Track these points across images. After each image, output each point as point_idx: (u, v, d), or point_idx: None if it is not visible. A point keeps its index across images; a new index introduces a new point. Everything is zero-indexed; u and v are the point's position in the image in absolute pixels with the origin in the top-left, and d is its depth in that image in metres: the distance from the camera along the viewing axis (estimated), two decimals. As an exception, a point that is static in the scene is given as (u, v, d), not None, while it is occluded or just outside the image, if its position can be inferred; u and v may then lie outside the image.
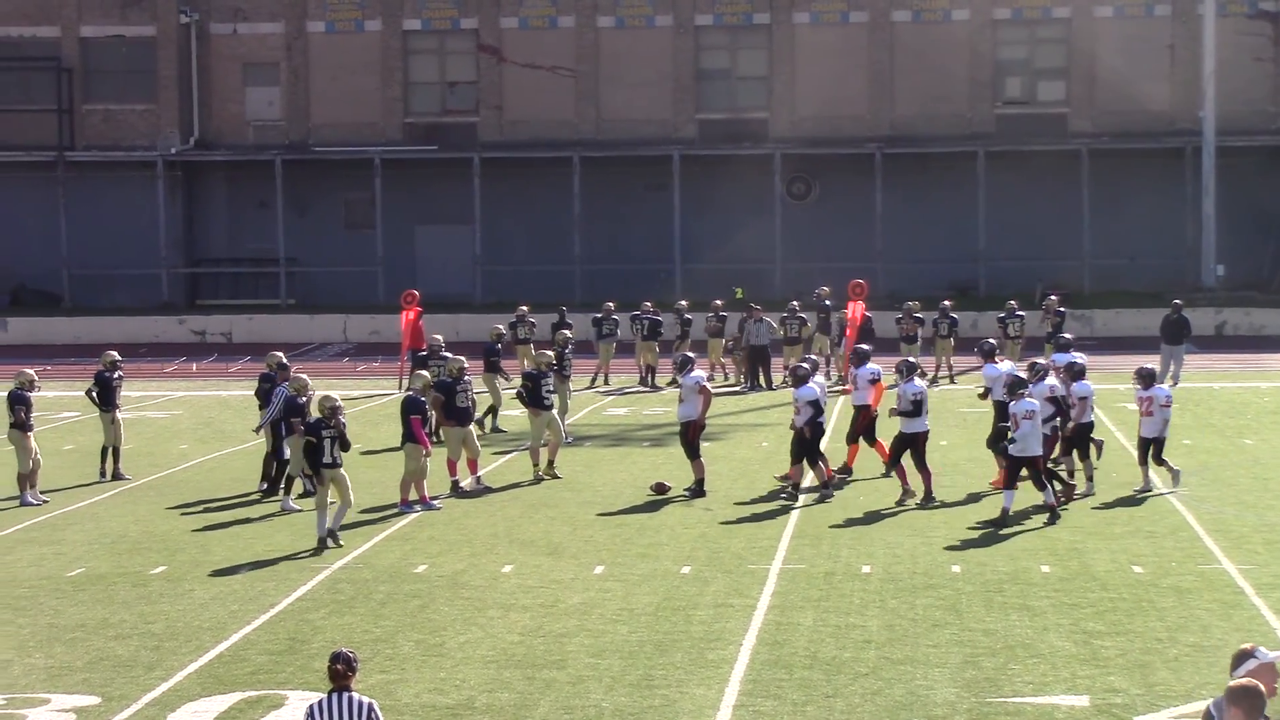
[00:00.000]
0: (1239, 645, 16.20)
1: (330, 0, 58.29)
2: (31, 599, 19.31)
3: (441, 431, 26.84)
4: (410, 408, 24.70)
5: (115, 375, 28.33)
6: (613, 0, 57.59)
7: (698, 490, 25.08)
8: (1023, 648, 16.41)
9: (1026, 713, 14.48)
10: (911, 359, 25.57)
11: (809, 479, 25.21)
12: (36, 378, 26.92)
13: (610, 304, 41.71)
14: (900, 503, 24.03)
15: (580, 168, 55.98)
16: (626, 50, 57.62)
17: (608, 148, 56.96)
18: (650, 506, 24.40)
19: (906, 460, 24.47)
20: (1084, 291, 53.83)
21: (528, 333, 39.46)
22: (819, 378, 25.82)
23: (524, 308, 40.67)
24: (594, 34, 57.75)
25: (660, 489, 25.27)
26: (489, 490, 25.92)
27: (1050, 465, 24.50)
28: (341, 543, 21.75)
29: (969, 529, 22.31)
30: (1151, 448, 24.81)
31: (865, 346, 28.21)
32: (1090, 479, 24.67)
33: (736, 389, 39.04)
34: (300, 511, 24.33)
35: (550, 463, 27.09)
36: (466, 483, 25.99)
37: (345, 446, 22.21)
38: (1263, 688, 9.06)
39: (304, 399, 25.05)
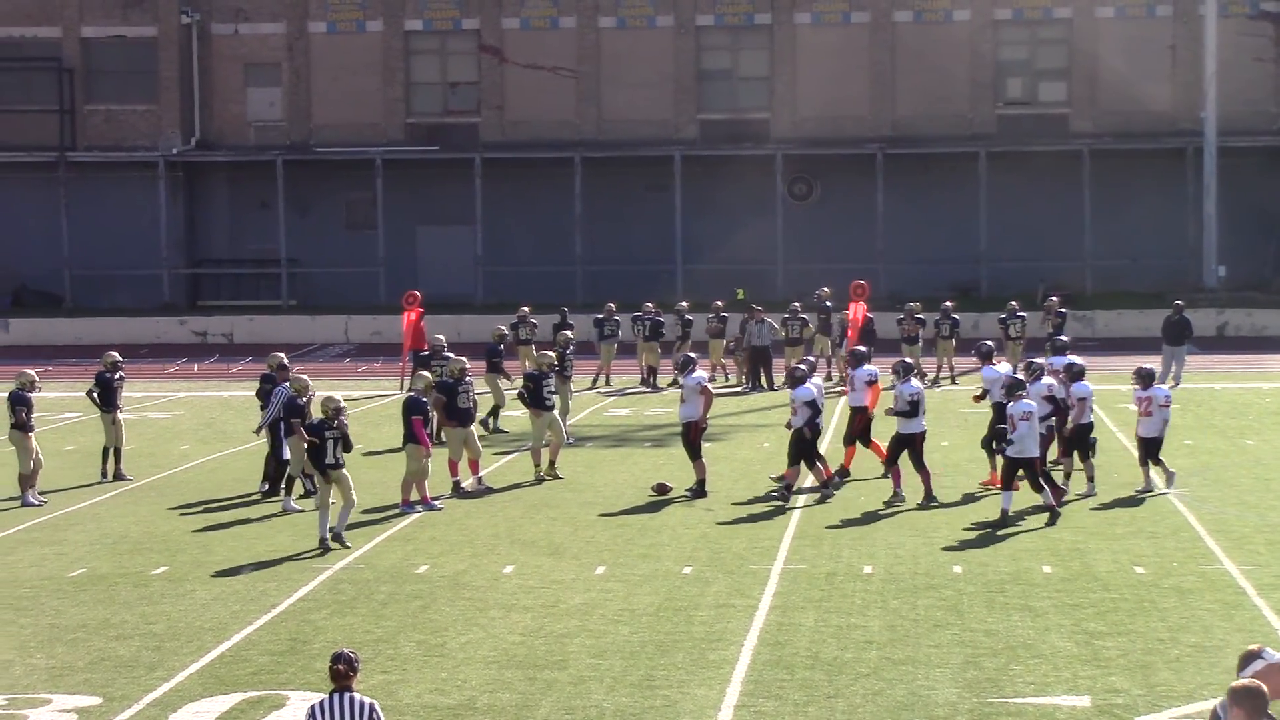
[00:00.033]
0: (1241, 646, 16.26)
1: (332, 1, 58.30)
2: (33, 599, 19.31)
3: (443, 432, 26.84)
4: (412, 408, 24.70)
5: (116, 376, 28.32)
6: (614, 1, 57.61)
7: (699, 491, 25.08)
8: (1024, 648, 16.40)
9: (1028, 713, 14.47)
10: (908, 359, 25.55)
11: (809, 480, 25.19)
12: (37, 378, 26.91)
13: (612, 305, 41.72)
14: (889, 504, 23.99)
15: (582, 168, 56.00)
16: (628, 51, 57.63)
17: (609, 148, 56.98)
18: (652, 507, 24.40)
19: (904, 462, 24.44)
20: (1085, 292, 53.85)
21: (529, 333, 39.46)
22: (816, 379, 25.78)
23: (525, 308, 40.68)
24: (595, 34, 57.76)
25: (661, 489, 25.27)
26: (490, 491, 25.92)
27: (1050, 466, 24.54)
28: (349, 544, 21.74)
29: (967, 530, 22.30)
30: (1148, 447, 24.82)
31: (862, 348, 28.21)
32: (1091, 479, 24.66)
33: (738, 390, 39.04)
34: (301, 512, 24.33)
35: (552, 463, 27.09)
36: (468, 483, 26.00)
37: (348, 447, 22.20)
38: (1265, 688, 9.06)
39: (304, 400, 25.04)
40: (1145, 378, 25.01)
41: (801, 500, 24.50)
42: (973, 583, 19.18)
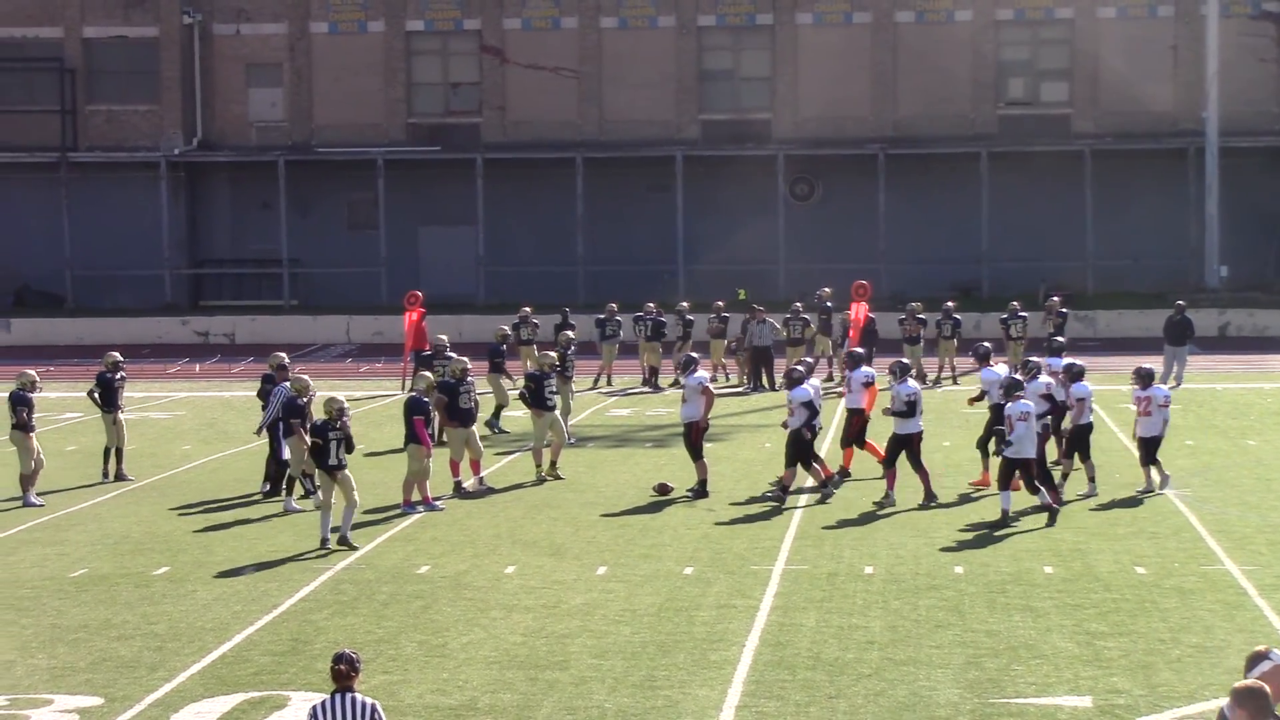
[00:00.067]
0: (1242, 646, 16.27)
1: (333, 1, 58.31)
2: (34, 600, 19.31)
3: (444, 432, 26.84)
4: (413, 408, 24.70)
5: (117, 376, 28.31)
6: (615, 1, 57.61)
7: (700, 491, 25.08)
8: (1025, 649, 16.40)
9: (1029, 714, 14.47)
10: (905, 360, 25.51)
11: (809, 481, 25.19)
12: (38, 378, 26.91)
13: (613, 305, 41.75)
14: (879, 504, 23.94)
15: (583, 168, 56.00)
16: (629, 51, 57.63)
17: (611, 149, 56.98)
18: (653, 507, 24.40)
19: (902, 463, 24.39)
20: (1087, 292, 53.85)
21: (530, 334, 39.47)
22: (814, 380, 25.77)
23: (527, 309, 40.68)
24: (597, 35, 57.76)
25: (663, 490, 25.27)
26: (492, 491, 25.93)
27: (1050, 466, 24.55)
28: (356, 545, 21.73)
29: (964, 530, 22.29)
30: (1148, 447, 24.82)
31: (859, 350, 28.22)
32: (1092, 479, 24.66)
33: (739, 390, 39.03)
34: (302, 512, 24.33)
35: (553, 463, 27.09)
36: (469, 483, 25.99)
37: (350, 448, 22.20)
38: (1268, 688, 9.06)
39: (304, 400, 25.03)
40: (1144, 378, 25.00)
41: (802, 501, 24.50)
42: (974, 583, 19.18)
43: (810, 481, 25.21)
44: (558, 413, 27.76)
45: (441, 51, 58.82)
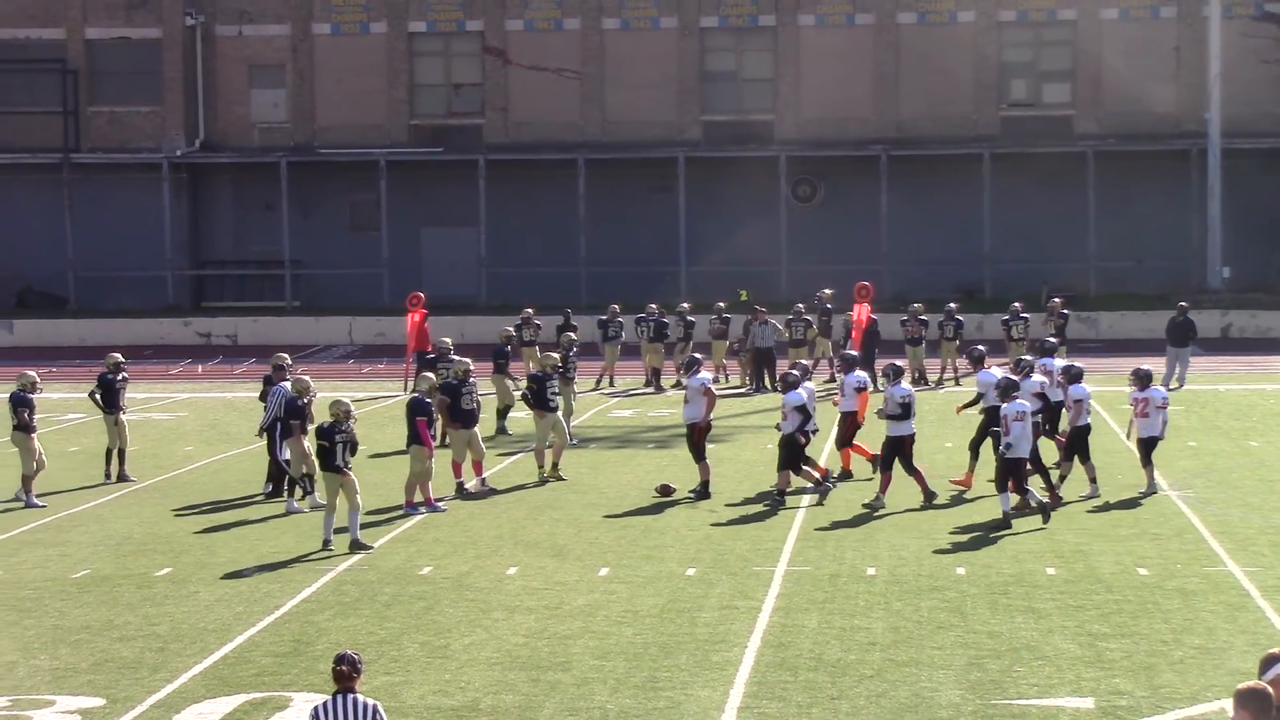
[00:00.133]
0: (1244, 648, 16.27)
1: (335, 2, 58.32)
2: (36, 601, 19.32)
3: (446, 434, 26.84)
4: (416, 410, 24.70)
5: (119, 377, 28.30)
6: (618, 2, 57.61)
7: (703, 492, 25.07)
8: (1028, 650, 16.40)
9: (1031, 715, 14.47)
10: (898, 363, 25.47)
11: (808, 485, 25.20)
12: (38, 379, 26.92)
13: (615, 306, 41.75)
14: (869, 506, 23.90)
15: (585, 170, 56.01)
16: (632, 52, 57.63)
17: (613, 150, 56.99)
18: (655, 508, 24.39)
19: (896, 466, 24.36)
20: (1089, 294, 53.84)
21: (533, 335, 39.47)
22: (810, 383, 25.75)
23: (529, 310, 40.68)
24: (599, 36, 57.77)
25: (665, 491, 25.27)
26: (494, 492, 25.93)
27: (1049, 466, 24.59)
28: (370, 545, 21.72)
29: (966, 532, 22.28)
30: (1146, 448, 24.83)
31: (853, 353, 28.23)
32: (1093, 480, 24.65)
33: (741, 390, 39.02)
34: (304, 513, 24.34)
35: (555, 465, 27.09)
36: (471, 485, 25.99)
37: (354, 450, 22.20)
38: (1271, 690, 9.06)
39: (304, 400, 25.03)
40: (1142, 379, 25.01)
41: (804, 502, 24.49)
42: (976, 584, 19.18)
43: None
44: (560, 414, 27.76)
45: (444, 52, 58.82)
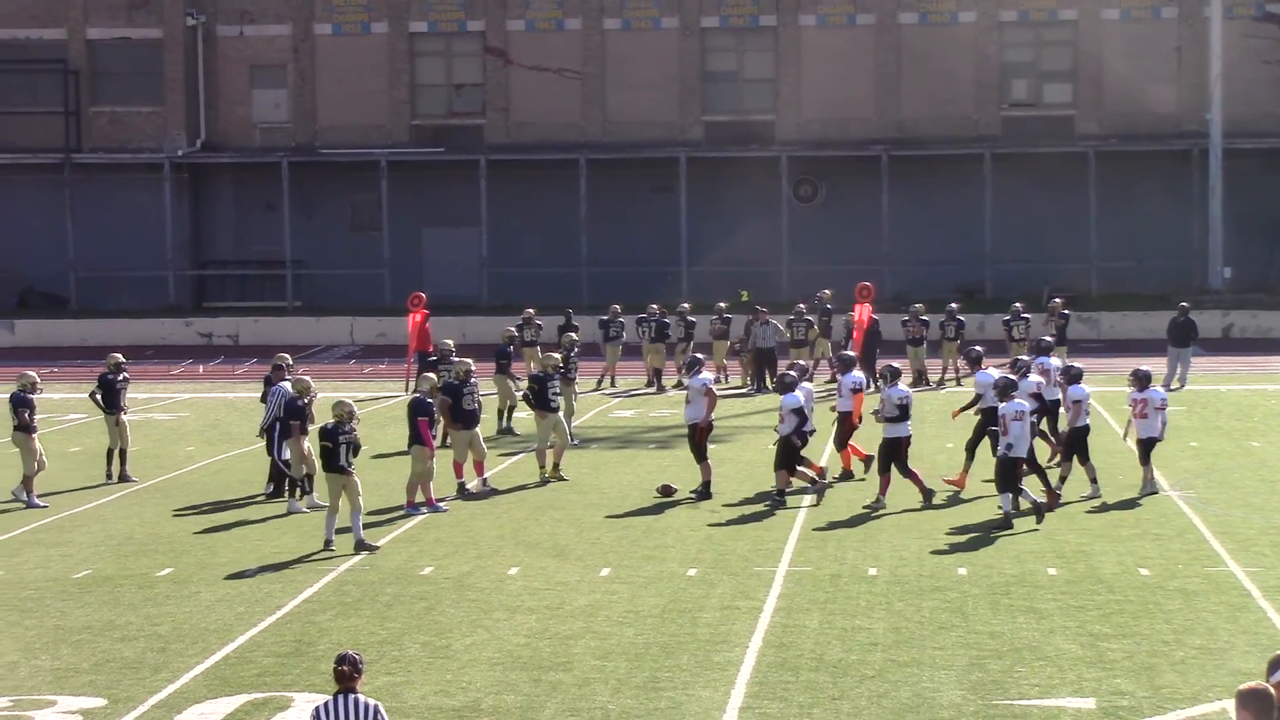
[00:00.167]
0: (1246, 648, 16.28)
1: (337, 2, 58.32)
2: (38, 601, 19.33)
3: (448, 434, 26.83)
4: (417, 410, 24.70)
5: (119, 377, 28.29)
6: (619, 2, 57.61)
7: (704, 492, 25.07)
8: (1029, 650, 16.40)
9: (1033, 715, 14.47)
10: (894, 364, 25.46)
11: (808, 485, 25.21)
12: (38, 380, 26.92)
13: (617, 306, 41.75)
14: (869, 507, 23.90)
15: (587, 170, 56.01)
16: (633, 52, 57.63)
17: (614, 150, 56.98)
18: (656, 509, 24.40)
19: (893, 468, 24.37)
20: (1091, 294, 53.83)
21: (534, 335, 39.47)
22: (807, 383, 25.75)
23: (530, 310, 40.67)
24: (600, 36, 57.77)
25: (666, 491, 25.27)
26: (495, 492, 25.93)
27: (1047, 467, 24.60)
28: (376, 545, 21.72)
29: (967, 532, 22.29)
30: (1145, 449, 24.84)
31: (850, 353, 28.24)
32: (1094, 480, 24.64)
33: (742, 391, 39.02)
34: (306, 513, 24.34)
35: (556, 465, 27.09)
36: (473, 485, 25.99)
37: (357, 451, 22.20)
38: (1272, 690, 9.07)
39: (304, 401, 25.03)
40: (1141, 380, 25.02)
41: (805, 502, 24.50)
42: (977, 585, 19.18)
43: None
44: (561, 414, 27.76)
45: (445, 53, 58.83)
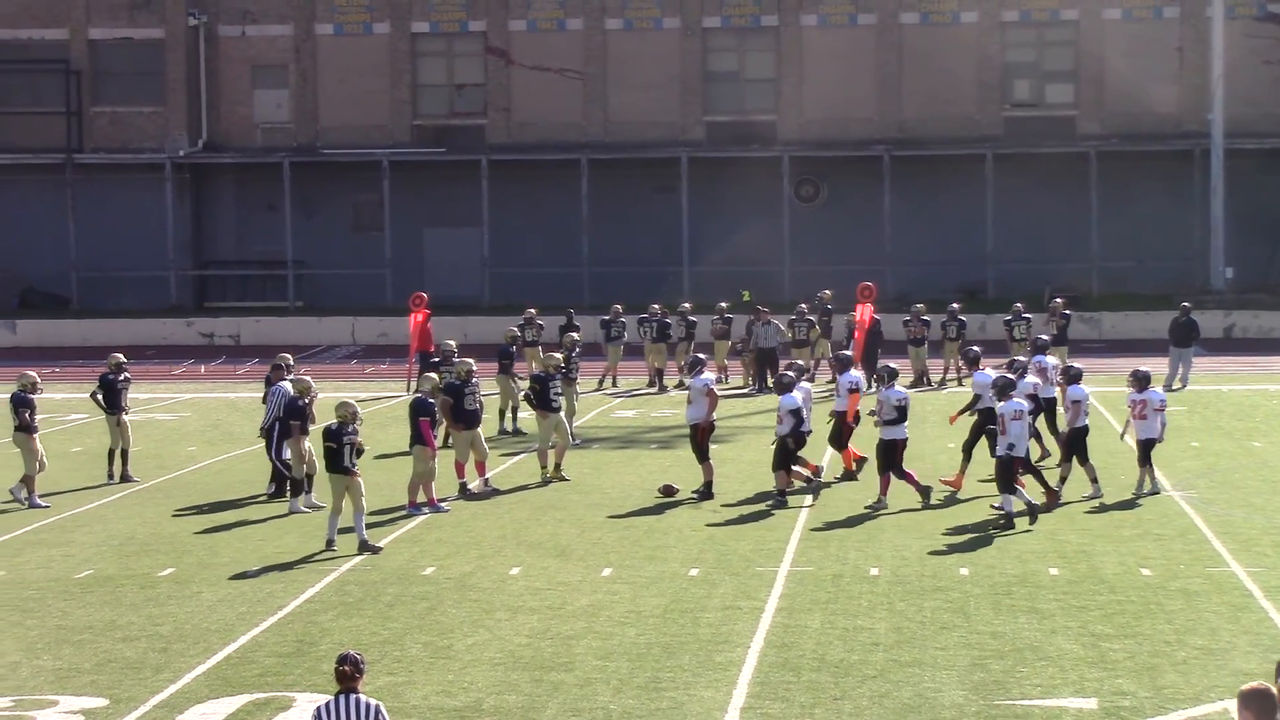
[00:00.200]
0: (1248, 648, 16.28)
1: (338, 2, 58.33)
2: (40, 601, 19.33)
3: (449, 434, 26.83)
4: (419, 410, 24.70)
5: (121, 378, 28.29)
6: (621, 2, 57.61)
7: (706, 493, 25.07)
8: (1031, 650, 16.40)
9: (1034, 715, 14.47)
10: (892, 365, 25.44)
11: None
12: (39, 380, 26.92)
13: (618, 306, 41.76)
14: (871, 508, 23.90)
15: (588, 170, 56.01)
16: (634, 52, 57.63)
17: (616, 150, 56.98)
18: (658, 509, 24.40)
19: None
20: (1092, 294, 53.82)
21: (535, 335, 39.47)
22: (806, 383, 25.74)
23: (532, 310, 40.67)
24: (602, 36, 57.77)
25: (668, 491, 25.27)
26: (497, 492, 25.93)
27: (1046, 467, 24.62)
28: (380, 547, 21.70)
29: (969, 532, 22.28)
30: (1145, 449, 24.84)
31: (847, 353, 28.24)
32: (1094, 480, 24.64)
33: (744, 391, 39.02)
34: (307, 513, 24.35)
35: (558, 465, 27.09)
36: (474, 485, 25.99)
37: (360, 452, 22.19)
38: (1274, 690, 9.08)
39: (305, 401, 25.02)
40: (1141, 381, 25.02)
41: (806, 502, 24.50)
42: (979, 585, 19.18)
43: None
44: (562, 414, 27.77)
45: (446, 53, 58.83)
